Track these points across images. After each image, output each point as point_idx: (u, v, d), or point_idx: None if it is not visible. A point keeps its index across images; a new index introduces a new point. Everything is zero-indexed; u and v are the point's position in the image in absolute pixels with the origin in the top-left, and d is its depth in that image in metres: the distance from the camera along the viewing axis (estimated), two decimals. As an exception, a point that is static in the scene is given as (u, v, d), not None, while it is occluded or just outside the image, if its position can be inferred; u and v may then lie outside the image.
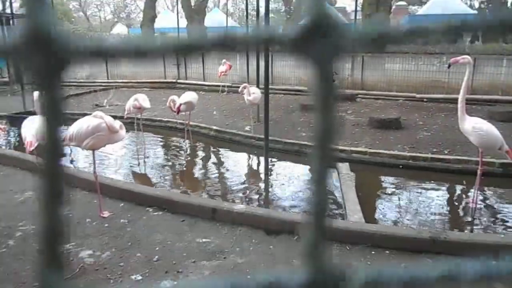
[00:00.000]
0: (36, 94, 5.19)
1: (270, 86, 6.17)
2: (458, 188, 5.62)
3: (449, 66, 5.07)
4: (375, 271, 0.29)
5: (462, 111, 4.49)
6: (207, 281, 0.29)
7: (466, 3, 25.70)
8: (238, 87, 7.83)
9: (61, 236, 0.27)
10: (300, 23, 0.27)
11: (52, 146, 0.27)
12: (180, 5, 17.97)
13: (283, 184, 5.71)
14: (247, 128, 7.81)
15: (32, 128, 4.38)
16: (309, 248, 0.28)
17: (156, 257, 3.44)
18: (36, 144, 4.30)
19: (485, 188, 5.25)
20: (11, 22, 11.06)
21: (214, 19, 24.60)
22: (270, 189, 5.55)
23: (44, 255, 0.27)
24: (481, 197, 5.04)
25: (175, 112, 6.99)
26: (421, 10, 27.51)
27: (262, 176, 5.96)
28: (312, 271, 0.28)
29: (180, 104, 6.87)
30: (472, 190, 4.99)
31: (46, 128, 0.27)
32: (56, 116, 0.27)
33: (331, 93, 0.28)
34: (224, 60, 11.85)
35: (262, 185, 5.73)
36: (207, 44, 0.28)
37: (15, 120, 7.87)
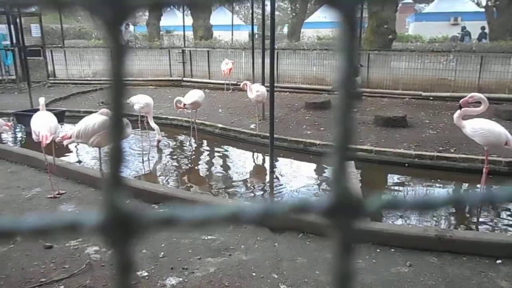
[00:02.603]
0: (41, 99, 5.32)
1: (275, 84, 6.17)
2: (464, 187, 5.59)
3: (460, 108, 4.62)
4: (392, 196, 0.35)
5: (458, 120, 4.52)
6: (241, 204, 0.33)
7: (473, 1, 25.49)
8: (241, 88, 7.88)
9: (122, 162, 0.31)
10: None
11: (116, 83, 0.30)
12: (185, 3, 17.92)
13: (288, 182, 5.71)
14: (252, 126, 7.82)
15: (45, 123, 4.44)
16: (334, 175, 0.32)
17: (162, 253, 3.46)
18: (51, 138, 4.35)
19: (491, 187, 5.22)
20: (18, 20, 11.12)
21: (220, 17, 24.60)
22: (275, 187, 5.56)
23: (110, 178, 0.30)
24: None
25: (182, 108, 7.10)
26: (428, 8, 27.34)
27: (267, 173, 5.97)
28: (337, 194, 0.32)
29: (185, 104, 6.98)
30: (478, 189, 4.96)
31: (111, 70, 0.30)
32: (121, 63, 0.30)
33: (354, 39, 0.30)
34: (226, 60, 11.86)
35: (267, 182, 5.74)
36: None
37: (22, 118, 7.93)
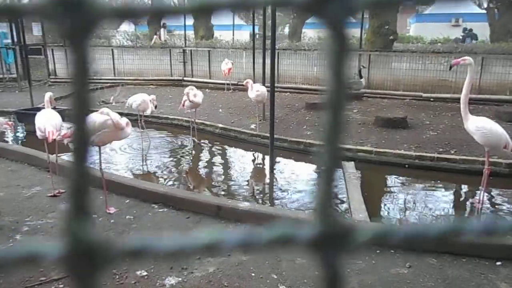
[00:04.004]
0: (47, 95, 5.26)
1: (276, 84, 6.17)
2: (464, 188, 5.59)
3: (450, 68, 5.27)
4: (381, 226, 0.32)
5: (465, 111, 4.49)
6: (219, 232, 0.30)
7: (475, 2, 25.46)
8: (244, 85, 7.88)
9: (87, 186, 0.29)
10: None
11: (79, 101, 0.30)
12: (186, 3, 17.95)
13: (288, 182, 5.71)
14: (252, 126, 7.82)
15: (51, 120, 4.44)
16: (319, 205, 0.30)
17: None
18: (57, 134, 4.35)
19: (491, 189, 5.22)
20: (19, 19, 11.16)
21: (221, 17, 24.57)
22: (275, 187, 5.55)
23: (72, 206, 0.29)
24: (487, 198, 5.01)
25: (183, 107, 7.16)
26: (429, 9, 27.32)
27: (267, 174, 5.97)
28: (323, 224, 0.30)
29: (184, 101, 7.03)
30: (478, 191, 4.96)
31: (74, 86, 0.30)
32: (84, 74, 0.30)
33: (343, 50, 0.30)
34: (226, 59, 11.87)
35: (267, 183, 5.74)
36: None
37: (23, 116, 7.93)
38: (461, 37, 18.14)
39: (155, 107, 7.08)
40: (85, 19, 0.28)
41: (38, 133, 4.49)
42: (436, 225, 0.32)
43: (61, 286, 3.03)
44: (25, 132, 8.08)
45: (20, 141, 7.75)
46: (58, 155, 4.91)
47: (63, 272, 3.14)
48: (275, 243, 0.30)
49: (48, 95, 5.12)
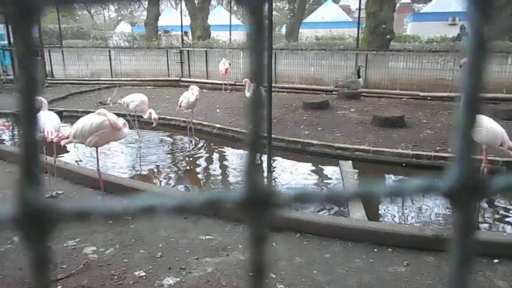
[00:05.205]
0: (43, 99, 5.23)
1: (273, 84, 6.17)
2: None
3: (460, 67, 5.25)
4: (300, 189, 0.36)
5: None
6: (156, 197, 0.32)
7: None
8: (241, 85, 7.90)
9: (36, 152, 0.31)
10: None
11: (27, 94, 0.31)
12: (183, 3, 17.99)
13: (285, 182, 5.72)
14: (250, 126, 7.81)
15: (50, 121, 4.44)
16: (247, 168, 0.34)
17: (160, 253, 3.46)
18: (56, 134, 4.35)
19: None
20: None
21: (218, 17, 24.60)
22: (272, 187, 5.55)
23: (23, 173, 0.31)
24: (484, 196, 5.02)
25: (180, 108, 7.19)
26: (426, 8, 27.38)
27: (265, 173, 5.98)
28: (249, 188, 0.33)
29: (181, 102, 7.04)
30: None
31: (20, 72, 0.30)
32: (31, 56, 0.31)
33: (261, 37, 0.32)
34: (224, 59, 11.87)
35: (265, 182, 5.73)
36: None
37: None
38: (456, 36, 18.18)
39: (155, 121, 6.93)
40: (25, 5, 0.29)
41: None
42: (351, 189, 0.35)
43: (59, 287, 3.03)
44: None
45: (17, 143, 7.74)
46: (56, 156, 4.90)
47: (61, 273, 3.13)
48: (210, 204, 0.33)
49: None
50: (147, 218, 0.31)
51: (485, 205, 4.86)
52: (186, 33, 16.40)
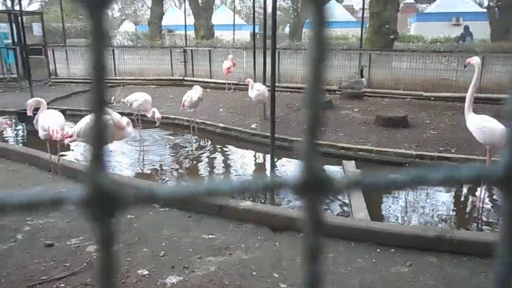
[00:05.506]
0: (32, 100, 5.23)
1: (276, 84, 6.17)
2: (465, 187, 5.59)
3: (465, 67, 5.42)
4: (359, 176, 0.36)
5: (468, 109, 4.50)
6: (219, 181, 0.35)
7: (475, 1, 25.44)
8: (244, 85, 7.92)
9: (104, 140, 0.33)
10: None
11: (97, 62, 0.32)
12: (187, 3, 18.01)
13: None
14: (253, 125, 7.83)
15: (55, 119, 4.44)
16: (304, 157, 0.36)
17: (163, 252, 3.47)
18: (61, 133, 4.35)
19: (492, 187, 5.22)
20: (19, 19, 11.13)
21: (221, 16, 24.62)
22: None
23: (93, 158, 0.33)
24: (487, 196, 5.01)
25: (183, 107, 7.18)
26: (429, 8, 27.29)
27: (268, 173, 5.97)
28: (307, 172, 0.35)
29: (184, 101, 7.04)
30: (479, 189, 4.96)
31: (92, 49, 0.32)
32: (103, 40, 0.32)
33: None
34: (230, 56, 11.87)
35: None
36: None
37: (24, 116, 7.94)
38: (459, 36, 18.13)
39: (158, 120, 6.89)
40: None
41: (41, 133, 4.48)
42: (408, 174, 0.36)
43: (62, 285, 3.04)
44: (26, 132, 8.09)
45: (21, 141, 7.77)
46: (60, 155, 4.92)
47: (64, 271, 3.15)
48: (268, 188, 0.36)
49: (33, 100, 5.06)
50: (211, 199, 0.33)
51: (488, 204, 4.85)
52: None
